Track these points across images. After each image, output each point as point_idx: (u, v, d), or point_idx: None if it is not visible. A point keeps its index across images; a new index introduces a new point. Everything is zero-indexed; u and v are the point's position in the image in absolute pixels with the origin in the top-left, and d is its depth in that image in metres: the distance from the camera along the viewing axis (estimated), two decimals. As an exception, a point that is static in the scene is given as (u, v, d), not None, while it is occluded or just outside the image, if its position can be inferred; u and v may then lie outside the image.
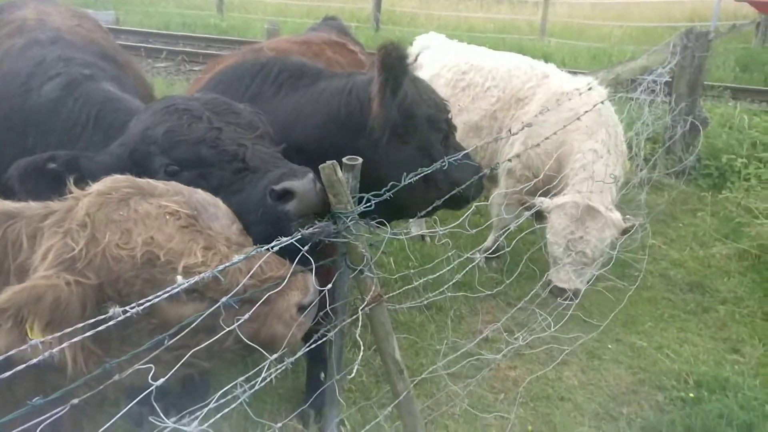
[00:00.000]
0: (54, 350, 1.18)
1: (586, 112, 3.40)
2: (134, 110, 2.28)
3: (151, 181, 1.55)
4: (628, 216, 3.65)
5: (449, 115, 2.62)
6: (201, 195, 1.59)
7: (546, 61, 4.40)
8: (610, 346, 3.62)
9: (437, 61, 4.57)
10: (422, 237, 4.81)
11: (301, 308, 1.57)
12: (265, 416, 2.92)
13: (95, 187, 1.45)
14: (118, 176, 1.50)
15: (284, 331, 1.55)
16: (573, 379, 3.34)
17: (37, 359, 1.15)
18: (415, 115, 2.40)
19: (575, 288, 3.48)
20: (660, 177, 5.34)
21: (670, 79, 5.33)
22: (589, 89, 3.65)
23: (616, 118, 3.85)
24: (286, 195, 1.80)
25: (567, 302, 3.43)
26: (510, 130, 3.14)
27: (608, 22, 13.36)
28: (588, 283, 3.63)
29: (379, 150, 2.33)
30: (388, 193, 2.04)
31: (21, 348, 1.13)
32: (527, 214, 3.51)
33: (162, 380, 1.34)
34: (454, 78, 4.39)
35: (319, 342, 1.86)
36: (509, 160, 3.65)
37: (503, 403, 3.14)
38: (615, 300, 3.94)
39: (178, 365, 1.41)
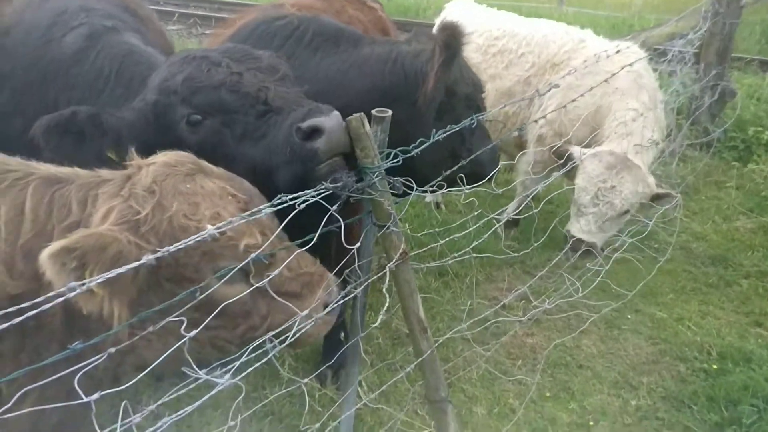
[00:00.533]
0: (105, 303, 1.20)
1: (623, 68, 3.27)
2: (156, 63, 2.21)
3: (208, 164, 1.55)
4: (662, 186, 3.53)
5: (483, 95, 2.58)
6: (248, 184, 1.60)
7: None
8: (629, 317, 3.57)
9: (467, 26, 4.42)
10: (437, 205, 4.75)
11: (326, 306, 1.60)
12: (282, 376, 2.92)
13: (160, 158, 1.46)
14: (181, 152, 1.50)
15: (311, 327, 1.56)
16: (592, 348, 3.31)
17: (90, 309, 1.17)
18: (456, 93, 2.39)
19: (593, 242, 3.32)
20: (683, 149, 5.21)
21: (698, 49, 5.15)
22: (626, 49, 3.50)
23: (655, 82, 3.71)
24: (314, 132, 1.73)
25: (583, 256, 3.30)
26: (538, 91, 3.01)
27: (629, -10, 12.93)
28: (606, 240, 3.46)
29: (415, 123, 2.27)
30: (416, 150, 1.97)
31: (81, 291, 1.11)
32: (557, 174, 3.38)
33: (194, 332, 1.31)
34: (486, 44, 4.27)
35: (347, 299, 1.81)
36: (536, 121, 3.52)
37: (521, 369, 3.12)
38: (634, 271, 3.88)
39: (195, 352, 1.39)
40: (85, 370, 1.17)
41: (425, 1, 11.34)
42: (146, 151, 1.83)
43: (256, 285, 1.44)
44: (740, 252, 4.23)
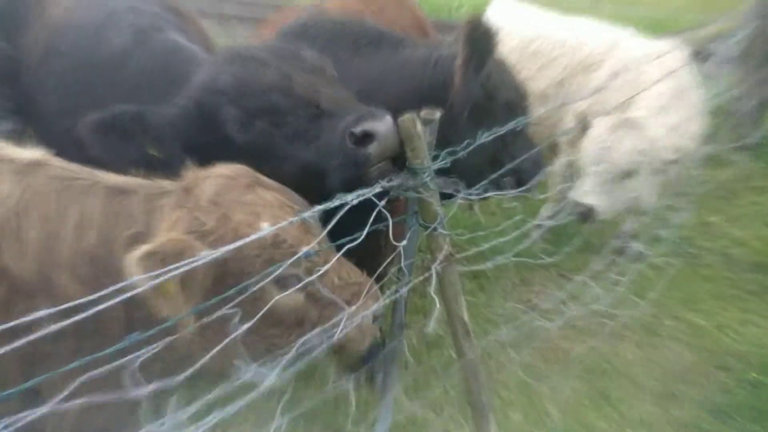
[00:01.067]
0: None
1: (663, 75, 3.19)
2: (199, 60, 2.23)
3: (263, 177, 1.60)
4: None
5: (528, 103, 2.52)
6: (297, 195, 1.63)
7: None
8: (667, 323, 3.50)
9: (505, 26, 4.40)
10: (470, 206, 4.71)
11: (375, 317, 1.64)
12: (317, 376, 2.93)
13: (219, 171, 1.51)
14: (238, 165, 1.53)
15: (359, 337, 1.60)
16: (629, 354, 3.25)
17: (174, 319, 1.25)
18: (495, 98, 2.33)
19: (593, 204, 3.20)
20: (723, 152, 5.08)
21: (741, 52, 5.01)
22: (666, 54, 3.42)
23: (696, 86, 3.62)
24: (366, 137, 1.74)
25: (581, 220, 3.20)
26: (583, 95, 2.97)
27: (666, -11, 12.65)
28: (609, 207, 3.30)
29: (453, 127, 2.23)
30: (463, 152, 1.95)
31: (153, 284, 1.19)
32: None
33: (246, 326, 1.32)
34: (521, 45, 4.22)
35: (393, 297, 1.81)
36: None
37: (556, 375, 3.08)
38: (671, 277, 3.80)
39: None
40: (136, 363, 1.18)
41: (457, 0, 11.26)
42: (189, 148, 1.87)
43: (307, 280, 1.44)
44: (782, 259, 4.11)
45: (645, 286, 3.74)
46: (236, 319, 1.31)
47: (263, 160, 1.89)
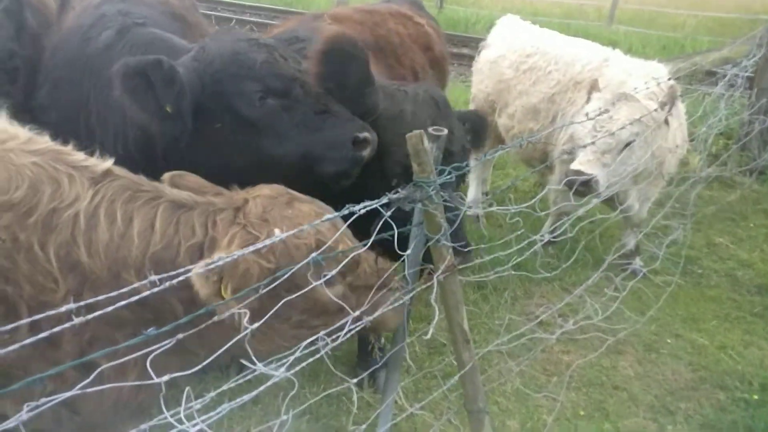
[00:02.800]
0: (234, 310, 1.46)
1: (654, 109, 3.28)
2: (179, 47, 2.40)
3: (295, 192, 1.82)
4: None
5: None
6: (325, 205, 1.84)
7: (612, 48, 4.27)
8: (669, 341, 3.55)
9: (506, 42, 4.52)
10: (477, 218, 4.80)
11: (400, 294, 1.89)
12: (321, 376, 3.03)
13: (262, 191, 1.74)
14: (276, 185, 1.74)
15: (392, 314, 1.85)
16: (628, 370, 3.30)
17: (225, 315, 1.45)
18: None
19: (591, 174, 3.20)
20: (732, 174, 5.12)
21: (752, 74, 5.07)
22: (657, 84, 3.48)
23: (683, 117, 3.72)
24: (364, 143, 2.09)
25: (582, 191, 3.17)
26: (587, 115, 3.05)
27: (682, 10, 12.71)
28: (608, 180, 3.32)
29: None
30: (468, 167, 2.07)
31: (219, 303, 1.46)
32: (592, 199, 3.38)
33: (257, 325, 1.44)
34: (518, 60, 4.34)
35: (395, 305, 1.91)
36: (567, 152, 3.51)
37: (555, 386, 3.14)
38: (675, 295, 3.85)
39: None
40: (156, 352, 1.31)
41: (475, 15, 11.38)
42: (197, 113, 2.11)
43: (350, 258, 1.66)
44: (788, 282, 4.14)
45: (648, 303, 3.79)
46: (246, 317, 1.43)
47: (268, 135, 2.17)
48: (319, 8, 10.91)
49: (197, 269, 1.42)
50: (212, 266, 1.43)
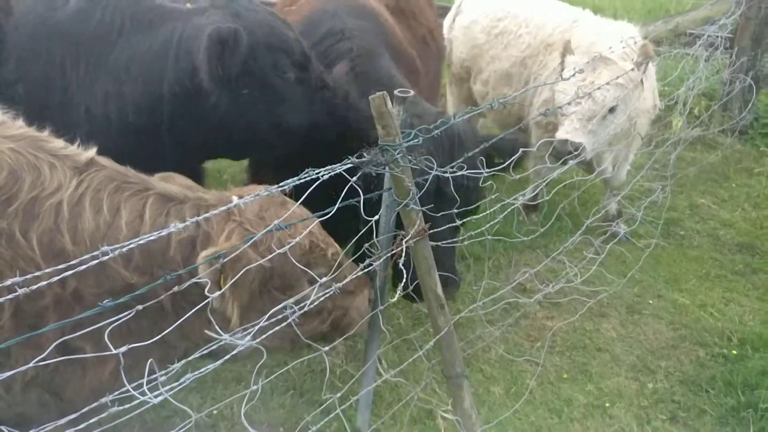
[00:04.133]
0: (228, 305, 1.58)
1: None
2: (167, 8, 2.46)
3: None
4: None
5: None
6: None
7: (596, 13, 4.22)
8: (651, 302, 3.56)
9: (478, 7, 4.46)
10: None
11: (369, 301, 2.03)
12: (304, 352, 3.02)
13: (255, 189, 1.76)
14: (270, 186, 1.72)
15: (359, 319, 1.99)
16: (611, 332, 3.32)
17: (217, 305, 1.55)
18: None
19: (579, 141, 3.20)
20: (714, 135, 5.11)
21: (732, 34, 5.02)
22: (629, 41, 3.42)
23: (654, 77, 3.69)
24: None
25: (569, 159, 3.16)
26: (561, 76, 3.02)
27: (666, -27, 12.53)
28: (595, 148, 3.32)
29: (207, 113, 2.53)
30: (437, 131, 2.03)
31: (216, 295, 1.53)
32: (573, 162, 3.36)
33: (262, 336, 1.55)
34: (490, 25, 4.28)
35: (366, 271, 1.89)
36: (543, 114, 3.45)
37: (539, 351, 3.16)
38: (657, 257, 3.86)
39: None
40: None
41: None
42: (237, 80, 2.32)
43: (323, 280, 1.74)
44: (769, 240, 4.16)
45: (631, 266, 3.81)
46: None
47: (283, 106, 2.42)
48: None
49: (202, 255, 1.50)
50: (215, 253, 1.52)
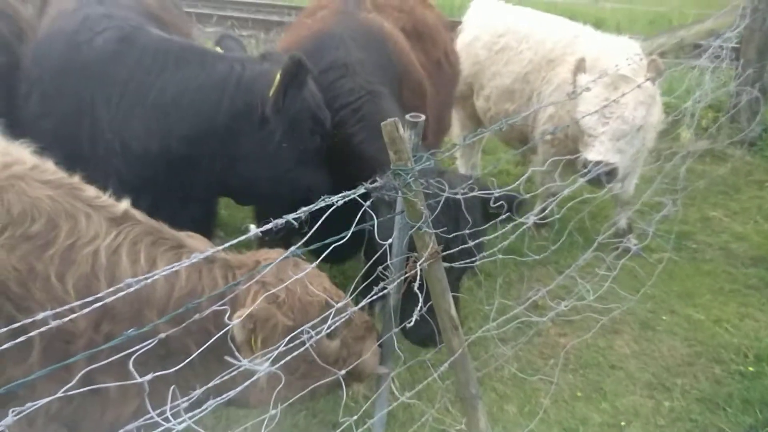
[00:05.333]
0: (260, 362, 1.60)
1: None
2: (212, 51, 2.69)
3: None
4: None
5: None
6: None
7: (598, 26, 4.25)
8: (664, 318, 3.54)
9: (480, 23, 4.51)
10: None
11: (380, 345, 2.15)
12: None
13: (270, 255, 1.90)
14: (281, 250, 1.81)
15: (373, 363, 2.10)
16: (625, 348, 3.30)
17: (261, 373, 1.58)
18: (304, 120, 2.69)
19: (611, 162, 3.18)
20: (723, 147, 5.10)
21: (738, 45, 5.03)
22: (637, 60, 3.43)
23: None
24: None
25: (606, 179, 3.15)
26: (570, 94, 3.02)
27: (668, -16, 12.59)
28: (625, 165, 3.33)
29: (265, 145, 2.68)
30: (449, 153, 2.05)
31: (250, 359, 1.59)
32: (583, 179, 3.36)
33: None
34: (491, 41, 4.32)
35: (378, 295, 1.90)
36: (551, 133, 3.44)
37: (552, 369, 3.13)
38: (670, 272, 3.84)
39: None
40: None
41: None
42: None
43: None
44: (782, 253, 4.12)
45: (643, 281, 3.78)
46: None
47: (305, 164, 2.67)
48: (303, 1, 10.76)
49: (237, 314, 1.60)
50: (250, 314, 1.63)
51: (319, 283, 1.91)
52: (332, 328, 1.78)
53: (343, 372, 1.92)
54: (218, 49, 2.85)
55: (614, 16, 10.38)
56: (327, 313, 1.76)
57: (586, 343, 3.28)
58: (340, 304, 1.82)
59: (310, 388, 1.88)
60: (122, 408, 1.76)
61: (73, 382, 1.31)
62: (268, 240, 2.16)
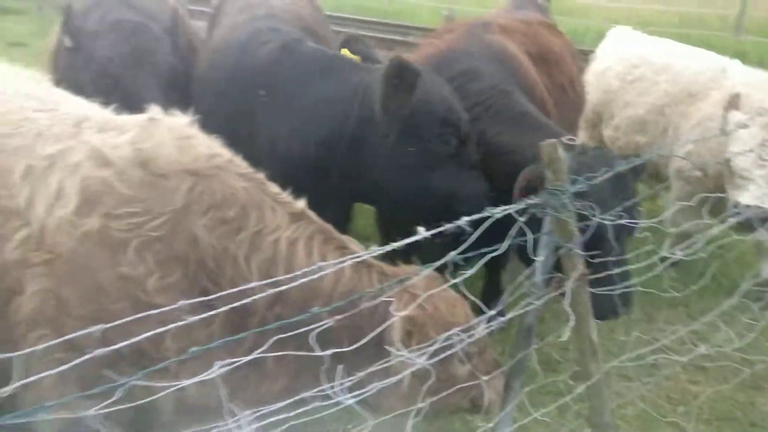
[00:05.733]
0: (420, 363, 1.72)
1: None
2: (351, 61, 2.85)
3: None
4: None
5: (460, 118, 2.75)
6: None
7: (739, 58, 4.01)
8: (817, 378, 3.21)
9: (613, 53, 4.44)
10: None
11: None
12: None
13: (423, 272, 1.92)
14: (429, 271, 1.88)
15: (495, 399, 2.13)
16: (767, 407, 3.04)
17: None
18: (423, 123, 2.71)
19: (766, 207, 3.02)
20: None
21: None
22: None
23: None
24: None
25: (756, 222, 2.99)
26: (722, 130, 2.90)
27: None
28: None
29: (379, 151, 2.75)
30: (602, 177, 2.07)
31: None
32: (722, 219, 3.18)
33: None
34: (624, 71, 4.23)
35: (527, 309, 1.94)
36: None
37: (681, 416, 2.96)
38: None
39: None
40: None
41: (583, 26, 10.99)
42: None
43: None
44: None
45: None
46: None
47: (435, 171, 2.67)
48: (423, 22, 10.96)
49: (401, 314, 1.76)
50: (410, 316, 1.79)
51: (462, 307, 1.99)
52: (466, 352, 1.89)
53: (478, 381, 1.97)
54: (345, 51, 3.03)
55: (757, 50, 9.61)
56: (467, 334, 1.82)
57: (722, 395, 3.06)
58: (479, 333, 1.88)
59: (433, 408, 1.90)
60: (274, 384, 1.92)
61: (265, 347, 1.47)
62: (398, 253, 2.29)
